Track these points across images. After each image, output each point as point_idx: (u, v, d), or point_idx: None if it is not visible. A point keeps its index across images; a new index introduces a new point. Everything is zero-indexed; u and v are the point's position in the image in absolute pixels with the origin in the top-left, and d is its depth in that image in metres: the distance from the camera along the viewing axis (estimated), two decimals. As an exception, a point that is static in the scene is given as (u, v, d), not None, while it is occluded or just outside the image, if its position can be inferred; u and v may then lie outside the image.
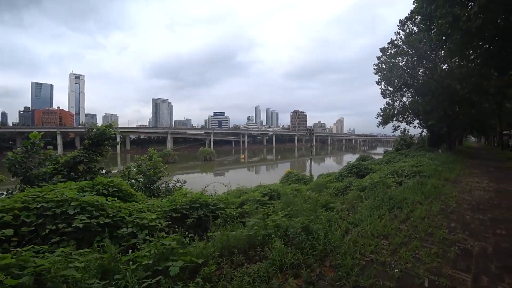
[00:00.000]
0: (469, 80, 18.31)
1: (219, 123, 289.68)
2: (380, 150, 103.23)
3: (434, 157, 17.09)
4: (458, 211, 5.98)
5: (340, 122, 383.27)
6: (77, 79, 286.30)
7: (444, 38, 13.64)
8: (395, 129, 28.60)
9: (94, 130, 12.29)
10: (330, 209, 6.04)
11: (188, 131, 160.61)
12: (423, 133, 33.05)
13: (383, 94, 26.27)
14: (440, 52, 22.45)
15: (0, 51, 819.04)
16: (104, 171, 12.59)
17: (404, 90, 25.46)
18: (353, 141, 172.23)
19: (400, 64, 24.27)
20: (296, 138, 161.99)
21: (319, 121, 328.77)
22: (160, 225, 5.00)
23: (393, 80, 24.08)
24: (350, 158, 59.17)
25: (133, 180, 12.68)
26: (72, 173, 11.08)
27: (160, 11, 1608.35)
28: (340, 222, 4.79)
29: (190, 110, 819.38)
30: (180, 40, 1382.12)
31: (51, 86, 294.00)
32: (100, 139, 12.20)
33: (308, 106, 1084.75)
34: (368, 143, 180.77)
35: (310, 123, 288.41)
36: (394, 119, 27.01)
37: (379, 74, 25.33)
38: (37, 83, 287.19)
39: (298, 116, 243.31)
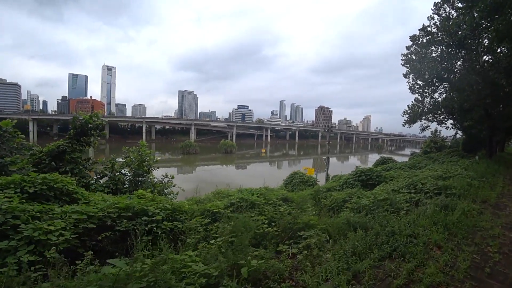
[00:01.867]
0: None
1: (243, 116, 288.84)
2: (408, 151, 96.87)
3: (469, 166, 14.08)
4: (504, 271, 3.61)
5: (366, 119, 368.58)
6: (109, 71, 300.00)
7: (490, 17, 10.73)
8: (423, 129, 24.93)
9: (80, 119, 11.58)
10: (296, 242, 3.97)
11: (212, 123, 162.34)
12: (457, 135, 29.03)
13: (412, 89, 22.82)
14: (483, 40, 18.84)
15: (42, 44, 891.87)
16: (90, 161, 11.89)
17: (437, 84, 21.88)
18: (380, 140, 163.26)
19: (434, 54, 20.79)
20: (320, 135, 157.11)
21: (345, 118, 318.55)
22: (56, 239, 3.90)
23: (424, 73, 20.66)
24: (374, 158, 55.15)
25: (117, 173, 11.84)
26: (53, 162, 10.45)
27: (187, 6, 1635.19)
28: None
29: (215, 103, 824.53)
30: (206, 34, 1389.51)
31: (86, 77, 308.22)
32: (85, 129, 11.56)
33: (333, 102, 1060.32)
34: (395, 143, 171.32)
35: (335, 119, 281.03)
36: (423, 117, 23.46)
37: (408, 65, 21.99)
38: (73, 74, 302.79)
39: (323, 112, 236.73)
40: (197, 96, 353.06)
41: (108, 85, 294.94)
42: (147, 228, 4.70)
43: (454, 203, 6.35)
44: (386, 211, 5.83)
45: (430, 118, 24.14)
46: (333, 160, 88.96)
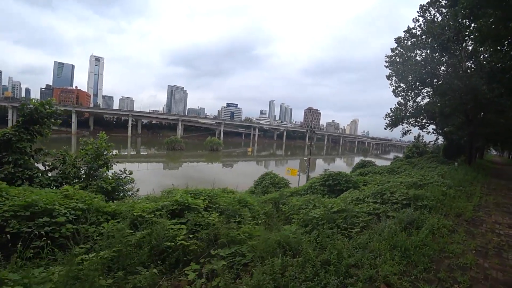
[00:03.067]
0: (502, 80, 14.40)
1: (232, 114, 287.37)
2: (393, 156, 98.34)
3: (446, 173, 13.44)
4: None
5: (354, 123, 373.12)
6: (97, 61, 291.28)
7: (472, 15, 10.04)
8: (404, 134, 24.42)
9: (29, 106, 10.62)
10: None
11: (200, 120, 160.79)
12: (438, 141, 28.82)
13: (395, 92, 22.26)
14: (467, 45, 18.41)
15: (29, 30, 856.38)
16: (42, 152, 10.93)
17: (420, 88, 21.38)
18: (366, 143, 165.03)
19: (418, 58, 20.29)
20: (308, 136, 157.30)
21: (333, 121, 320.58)
22: None
23: (407, 76, 20.09)
24: (359, 160, 55.05)
25: (69, 166, 10.88)
26: None
27: (182, 0, 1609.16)
28: None
29: (205, 99, 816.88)
30: (199, 30, 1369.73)
31: (73, 66, 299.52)
32: (35, 117, 10.59)
33: (322, 104, 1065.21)
34: (381, 147, 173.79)
35: (323, 121, 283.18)
36: (405, 121, 22.97)
37: (391, 67, 21.40)
38: (59, 63, 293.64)
39: (312, 114, 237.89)
40: (187, 92, 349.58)
41: (96, 76, 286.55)
42: (42, 232, 3.96)
43: (423, 218, 5.45)
44: (336, 226, 4.88)
45: (412, 123, 23.75)
46: (319, 161, 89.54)
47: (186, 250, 3.84)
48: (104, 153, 11.73)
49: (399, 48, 21.38)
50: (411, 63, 19.55)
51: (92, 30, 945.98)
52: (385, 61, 21.71)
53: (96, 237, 4.08)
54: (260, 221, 6.08)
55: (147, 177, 38.33)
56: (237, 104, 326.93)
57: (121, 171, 11.73)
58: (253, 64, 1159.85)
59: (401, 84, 21.60)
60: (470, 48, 18.31)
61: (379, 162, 56.53)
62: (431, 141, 28.99)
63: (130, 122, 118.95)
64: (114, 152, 12.74)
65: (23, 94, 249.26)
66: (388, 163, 35.16)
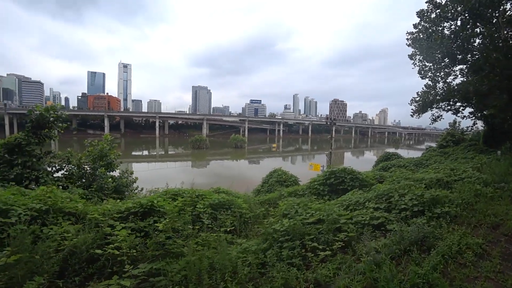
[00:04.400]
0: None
1: (256, 110, 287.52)
2: (427, 145, 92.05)
3: (485, 164, 11.05)
4: None
5: (383, 112, 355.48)
6: (125, 68, 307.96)
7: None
8: (434, 120, 21.37)
9: (35, 112, 11.34)
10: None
11: (224, 118, 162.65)
12: (476, 126, 25.13)
13: (421, 73, 19.55)
14: (505, 10, 15.38)
15: (64, 45, 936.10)
16: (51, 154, 11.84)
17: (451, 66, 18.52)
18: (397, 134, 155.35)
19: (446, 31, 17.51)
20: (334, 129, 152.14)
21: (360, 111, 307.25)
22: None
23: (434, 54, 17.41)
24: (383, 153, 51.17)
25: (73, 167, 11.65)
26: (6, 155, 10.44)
27: (200, 3, 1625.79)
28: None
29: (228, 97, 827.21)
30: (220, 30, 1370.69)
31: (104, 74, 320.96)
32: (41, 122, 11.34)
33: (348, 95, 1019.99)
34: (414, 137, 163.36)
35: (350, 113, 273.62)
36: (434, 106, 20.14)
37: (415, 45, 18.68)
38: (92, 72, 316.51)
39: (338, 106, 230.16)
40: (211, 91, 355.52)
41: (124, 82, 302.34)
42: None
43: (438, 233, 3.79)
44: (301, 246, 3.45)
45: (443, 107, 20.70)
46: (347, 155, 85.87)
47: (115, 261, 3.47)
48: (107, 154, 12.06)
49: (422, 23, 18.63)
50: (437, 38, 16.86)
51: (119, 40, 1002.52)
52: (407, 39, 19.09)
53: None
54: (228, 229, 5.11)
55: (176, 175, 38.94)
56: (260, 101, 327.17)
57: (123, 172, 12.20)
58: (275, 60, 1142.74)
59: (426, 63, 18.88)
60: (510, 12, 15.24)
61: (413, 153, 52.32)
62: (469, 127, 25.19)
63: (157, 124, 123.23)
64: (119, 153, 12.93)
65: (63, 103, 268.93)
66: (418, 154, 32.05)
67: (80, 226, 4.15)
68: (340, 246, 3.56)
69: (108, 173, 11.54)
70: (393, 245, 3.36)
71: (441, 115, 20.89)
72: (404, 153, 68.31)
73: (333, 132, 48.23)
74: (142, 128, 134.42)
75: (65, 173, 11.29)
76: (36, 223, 4.23)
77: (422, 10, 18.41)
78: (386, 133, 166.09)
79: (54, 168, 11.32)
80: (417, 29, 18.91)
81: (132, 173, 12.83)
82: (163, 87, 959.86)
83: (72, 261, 3.47)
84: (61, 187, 10.34)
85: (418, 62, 19.18)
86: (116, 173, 11.95)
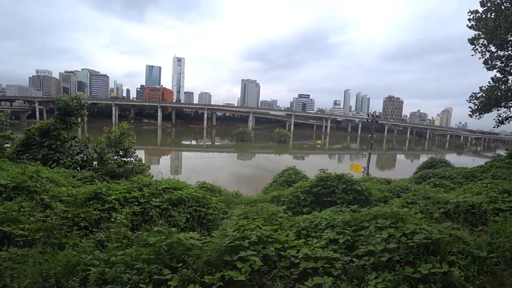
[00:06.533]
0: None
1: (303, 105, 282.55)
2: (498, 153, 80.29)
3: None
4: None
5: (446, 112, 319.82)
6: (179, 62, 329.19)
7: None
8: (500, 122, 17.13)
9: (61, 101, 12.79)
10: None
11: (271, 112, 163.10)
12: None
13: (487, 62, 16.14)
14: None
15: (128, 42, 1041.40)
16: (76, 139, 13.28)
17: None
18: (462, 137, 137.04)
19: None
20: (386, 128, 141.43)
21: (418, 111, 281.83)
22: None
23: (507, 35, 14.00)
24: (452, 158, 44.93)
25: (91, 151, 12.79)
26: (37, 137, 11.90)
27: None
28: None
29: (277, 92, 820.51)
30: (272, 24, 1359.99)
31: (160, 68, 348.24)
32: (68, 110, 12.74)
33: (405, 93, 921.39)
34: (483, 143, 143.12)
35: (406, 112, 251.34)
36: (503, 104, 16.50)
37: (479, 25, 15.24)
38: (149, 66, 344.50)
39: (392, 103, 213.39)
40: (259, 84, 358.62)
41: (178, 75, 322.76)
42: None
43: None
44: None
45: (514, 105, 16.86)
46: (400, 158, 79.07)
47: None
48: (122, 142, 12.65)
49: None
50: (509, 14, 13.40)
51: (176, 35, 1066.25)
52: (468, 20, 15.80)
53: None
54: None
55: (222, 165, 40.28)
56: (309, 95, 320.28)
57: (135, 160, 12.82)
58: (327, 54, 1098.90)
59: (493, 49, 15.44)
60: None
61: (479, 161, 44.89)
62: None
63: (205, 115, 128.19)
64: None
65: (124, 94, 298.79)
66: (481, 163, 27.69)
67: (32, 204, 4.38)
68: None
69: (122, 159, 12.09)
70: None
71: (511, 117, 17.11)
72: (468, 160, 60.10)
73: (393, 131, 44.30)
74: (192, 119, 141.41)
75: (82, 156, 12.21)
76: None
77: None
78: (448, 136, 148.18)
79: (75, 151, 12.21)
80: (485, 8, 15.43)
81: (140, 160, 13.22)
82: (214, 80, 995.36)
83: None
84: (78, 168, 11.48)
85: (481, 47, 15.81)
86: (132, 159, 12.52)
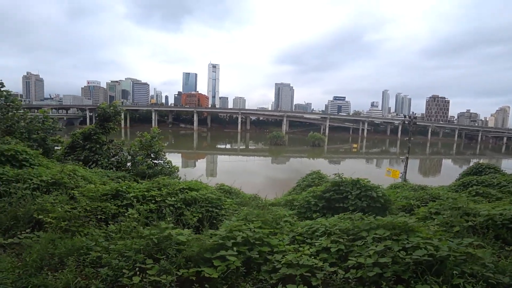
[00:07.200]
0: None
1: (339, 108, 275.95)
2: None
3: None
4: None
5: (502, 112, 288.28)
6: (214, 68, 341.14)
7: None
8: None
9: (100, 108, 14.08)
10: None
11: (305, 115, 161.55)
12: None
13: None
14: None
15: (167, 52, 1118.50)
16: (113, 142, 14.40)
17: None
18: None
19: None
20: (430, 131, 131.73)
21: (467, 110, 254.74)
22: None
23: None
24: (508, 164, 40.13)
25: (124, 154, 13.95)
26: (81, 141, 13.05)
27: (284, 2, 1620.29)
28: None
29: (312, 95, 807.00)
30: (305, 26, 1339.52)
31: (196, 75, 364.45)
32: (106, 116, 13.87)
33: (452, 91, 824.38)
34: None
35: (453, 112, 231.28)
36: None
37: None
38: (186, 73, 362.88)
39: (437, 103, 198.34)
40: (293, 88, 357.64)
41: (213, 81, 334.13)
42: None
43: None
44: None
45: None
46: (446, 162, 73.00)
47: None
48: (152, 145, 13.66)
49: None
50: None
51: (210, 43, 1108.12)
52: None
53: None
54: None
55: (255, 168, 40.88)
56: (344, 97, 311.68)
57: (165, 163, 13.78)
58: (363, 53, 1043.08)
59: None
60: None
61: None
62: None
63: (239, 119, 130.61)
64: (165, 144, 15.04)
65: (163, 100, 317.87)
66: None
67: (64, 197, 5.01)
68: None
69: (153, 161, 12.96)
70: None
71: None
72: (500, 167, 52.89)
73: (439, 134, 41.28)
74: (226, 123, 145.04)
75: (117, 158, 13.18)
76: (38, 190, 5.38)
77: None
78: (505, 138, 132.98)
79: (111, 154, 13.22)
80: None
81: (169, 162, 14.12)
82: (248, 85, 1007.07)
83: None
84: (114, 168, 12.34)
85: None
86: (161, 162, 13.51)
